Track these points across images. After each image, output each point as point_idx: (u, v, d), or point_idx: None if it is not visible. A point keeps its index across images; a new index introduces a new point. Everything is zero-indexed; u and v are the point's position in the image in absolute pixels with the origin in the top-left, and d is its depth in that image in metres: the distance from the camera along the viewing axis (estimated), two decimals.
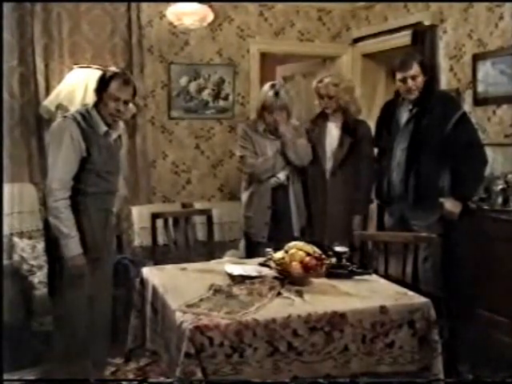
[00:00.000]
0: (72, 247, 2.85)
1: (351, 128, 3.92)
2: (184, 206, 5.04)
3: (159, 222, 3.81)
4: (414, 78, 3.56)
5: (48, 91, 4.49)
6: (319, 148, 3.94)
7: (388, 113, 3.82)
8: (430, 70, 3.74)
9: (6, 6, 4.31)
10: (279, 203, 3.85)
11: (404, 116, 3.67)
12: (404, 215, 3.64)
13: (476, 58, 4.32)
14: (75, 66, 4.42)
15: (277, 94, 3.72)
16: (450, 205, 3.53)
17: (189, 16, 4.69)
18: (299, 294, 2.46)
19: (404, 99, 3.68)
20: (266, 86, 3.81)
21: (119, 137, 3.13)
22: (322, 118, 4.05)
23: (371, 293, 2.53)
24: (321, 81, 3.94)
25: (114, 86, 2.90)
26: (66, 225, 2.84)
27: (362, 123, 3.99)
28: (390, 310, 2.37)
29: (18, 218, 4.34)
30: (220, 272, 2.80)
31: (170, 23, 4.93)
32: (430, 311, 2.43)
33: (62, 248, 2.84)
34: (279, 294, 2.48)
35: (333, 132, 3.98)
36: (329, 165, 3.93)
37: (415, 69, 3.56)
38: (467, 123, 3.61)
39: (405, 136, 3.62)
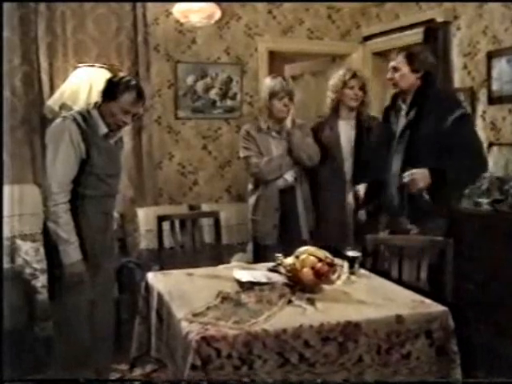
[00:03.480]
0: (71, 253, 2.74)
1: (366, 126, 3.89)
2: (191, 207, 4.95)
3: (165, 225, 3.74)
4: (395, 69, 3.34)
5: (52, 90, 4.40)
6: (334, 148, 3.87)
7: (387, 119, 3.59)
8: (427, 67, 3.38)
9: (10, 4, 4.24)
10: (287, 205, 3.76)
11: (401, 123, 3.41)
12: (402, 226, 3.37)
13: (491, 56, 4.19)
14: (79, 65, 4.33)
15: (283, 79, 3.77)
16: (416, 173, 3.15)
17: (196, 13, 4.61)
18: (311, 302, 2.36)
19: (400, 103, 3.44)
20: (269, 78, 3.86)
21: (120, 138, 3.03)
22: (333, 116, 3.98)
23: (386, 301, 2.42)
24: (355, 73, 3.92)
25: (127, 98, 2.76)
26: (65, 230, 2.73)
27: (376, 120, 3.93)
28: (407, 319, 2.26)
29: (21, 219, 4.26)
30: (228, 278, 2.71)
31: (177, 21, 4.85)
32: (448, 320, 2.32)
33: (60, 254, 2.74)
34: (290, 301, 2.38)
35: (347, 131, 3.93)
36: (347, 165, 3.88)
37: (399, 60, 3.33)
38: (466, 124, 3.27)
39: (401, 145, 3.36)
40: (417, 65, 3.33)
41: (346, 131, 3.92)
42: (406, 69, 3.32)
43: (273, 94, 3.68)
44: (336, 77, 3.96)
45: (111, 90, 2.80)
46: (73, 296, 2.82)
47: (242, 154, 3.85)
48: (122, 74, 3.02)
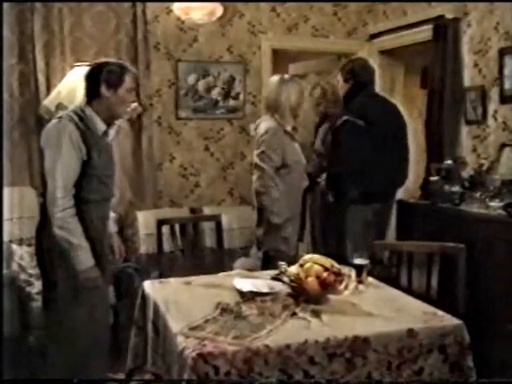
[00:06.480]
0: (84, 259, 2.59)
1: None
2: (192, 210, 4.83)
3: (165, 228, 3.61)
4: (338, 82, 4.00)
5: (49, 90, 4.28)
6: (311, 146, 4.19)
7: None
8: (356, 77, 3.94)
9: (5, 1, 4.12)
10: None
11: None
12: None
13: (503, 53, 4.04)
14: (77, 64, 4.20)
15: None
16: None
17: (197, 10, 4.50)
18: (316, 314, 2.22)
19: None
20: (281, 76, 3.65)
21: (114, 136, 2.89)
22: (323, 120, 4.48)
23: (396, 313, 2.27)
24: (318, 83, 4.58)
25: (128, 78, 2.69)
26: (75, 235, 2.57)
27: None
28: (419, 333, 2.11)
29: (18, 223, 4.13)
30: (228, 287, 2.57)
31: (178, 18, 4.73)
32: (463, 334, 2.18)
33: (72, 260, 2.58)
34: (294, 314, 2.24)
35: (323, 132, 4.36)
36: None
37: (338, 75, 4.00)
38: (344, 130, 3.80)
39: None
40: (346, 75, 3.92)
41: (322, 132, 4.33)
42: (341, 80, 3.96)
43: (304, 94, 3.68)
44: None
45: (115, 77, 2.67)
46: (68, 304, 2.69)
47: (270, 164, 3.43)
48: (103, 61, 2.83)
